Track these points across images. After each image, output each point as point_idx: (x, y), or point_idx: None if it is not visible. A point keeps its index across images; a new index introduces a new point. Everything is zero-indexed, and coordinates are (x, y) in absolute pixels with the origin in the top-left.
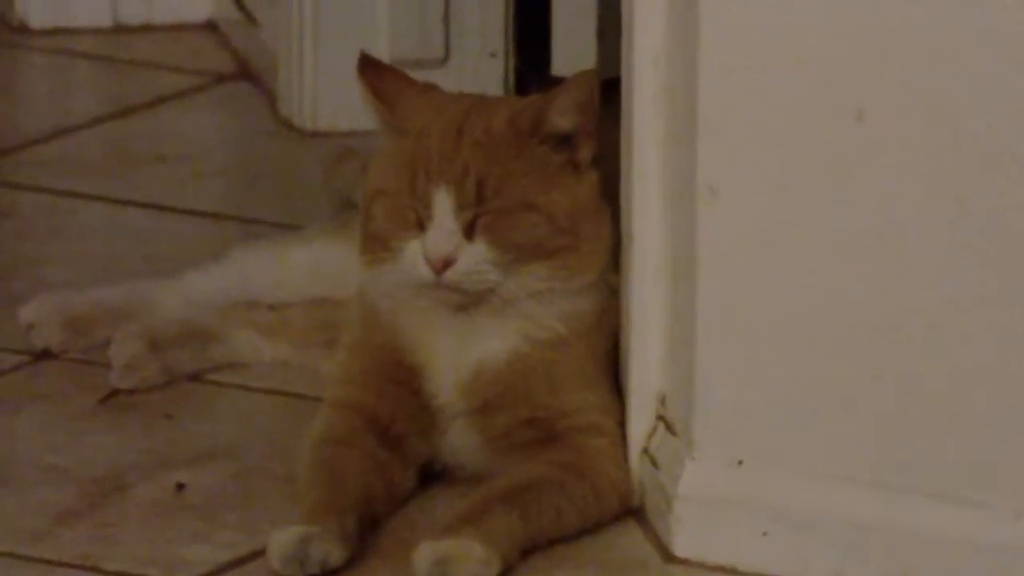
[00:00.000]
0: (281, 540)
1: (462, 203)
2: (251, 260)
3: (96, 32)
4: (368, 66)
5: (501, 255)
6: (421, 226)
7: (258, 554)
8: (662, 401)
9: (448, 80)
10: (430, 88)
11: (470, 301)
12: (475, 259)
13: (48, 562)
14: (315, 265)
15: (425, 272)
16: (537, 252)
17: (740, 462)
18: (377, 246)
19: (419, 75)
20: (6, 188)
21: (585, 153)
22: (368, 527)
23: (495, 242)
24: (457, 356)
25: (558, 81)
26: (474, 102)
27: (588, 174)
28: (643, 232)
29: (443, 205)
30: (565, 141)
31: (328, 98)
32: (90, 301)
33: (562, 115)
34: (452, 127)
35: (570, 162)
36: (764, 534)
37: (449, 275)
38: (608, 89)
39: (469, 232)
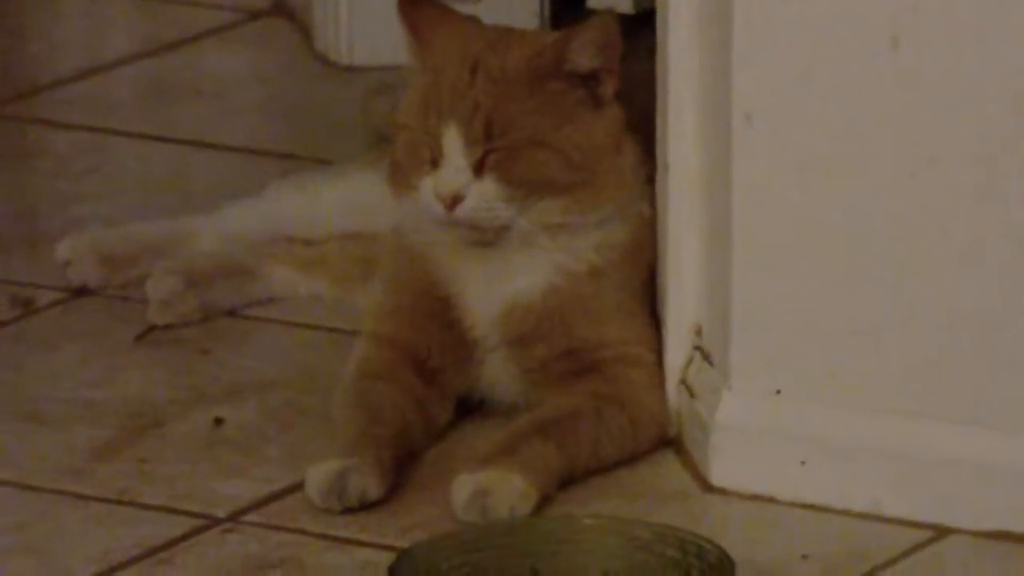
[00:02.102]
0: (319, 474)
1: (471, 140)
2: (287, 195)
3: None
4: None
5: (512, 192)
6: (435, 163)
7: (296, 488)
8: (699, 332)
9: (483, 13)
10: (465, 22)
11: (487, 237)
12: (484, 196)
13: (86, 497)
14: (351, 200)
15: (437, 209)
16: (550, 188)
17: (778, 392)
18: (402, 180)
19: (454, 8)
20: (42, 126)
21: (606, 89)
22: (406, 460)
23: (505, 179)
24: (491, 289)
25: (593, 14)
26: (495, 37)
27: (609, 109)
28: (679, 162)
29: (453, 142)
30: (586, 79)
31: (364, 32)
32: (126, 237)
33: (582, 56)
34: (467, 64)
35: (590, 97)
36: (802, 463)
37: (459, 212)
38: (643, 21)
39: (479, 169)
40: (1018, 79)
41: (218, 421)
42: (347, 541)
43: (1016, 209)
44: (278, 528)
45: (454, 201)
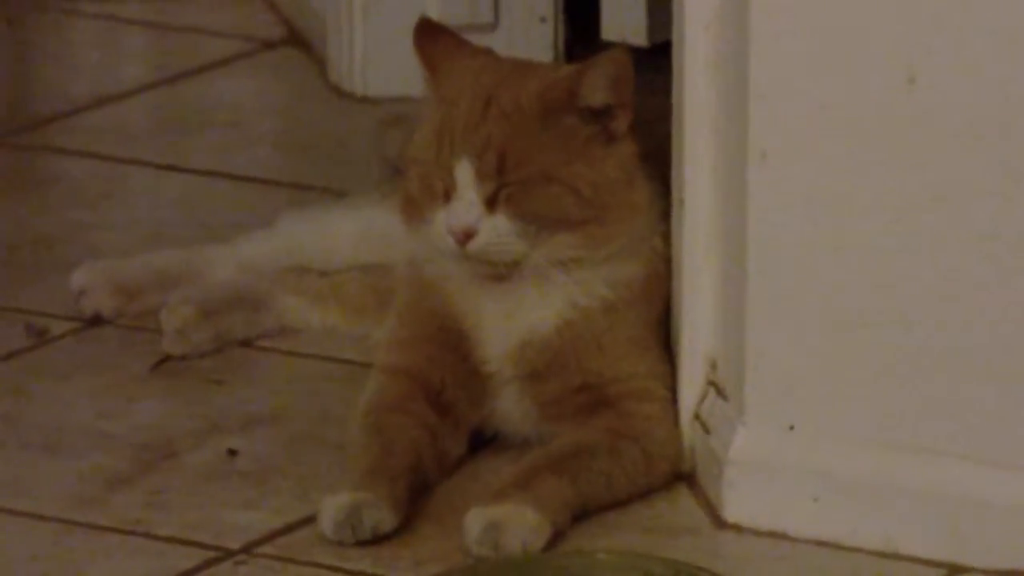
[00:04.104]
0: (333, 506)
1: (483, 175)
2: (300, 226)
3: None
4: (423, 31)
5: (524, 227)
6: (447, 196)
7: (309, 520)
8: (713, 366)
9: (497, 45)
10: (479, 54)
11: (500, 271)
12: (496, 231)
13: (100, 528)
14: (364, 231)
15: (450, 243)
16: (562, 223)
17: (791, 427)
18: (415, 213)
19: (469, 40)
20: (56, 154)
21: (619, 124)
22: (419, 493)
23: (517, 214)
24: (505, 323)
25: (607, 46)
26: (509, 71)
27: (622, 144)
28: (694, 198)
29: (465, 176)
30: (598, 114)
31: (378, 63)
32: (141, 267)
33: (594, 91)
34: (480, 98)
35: (603, 133)
36: (815, 499)
37: (471, 246)
38: (658, 54)
39: (491, 204)
40: None
41: (232, 452)
42: (360, 574)
43: None
44: (291, 560)
45: (466, 236)
